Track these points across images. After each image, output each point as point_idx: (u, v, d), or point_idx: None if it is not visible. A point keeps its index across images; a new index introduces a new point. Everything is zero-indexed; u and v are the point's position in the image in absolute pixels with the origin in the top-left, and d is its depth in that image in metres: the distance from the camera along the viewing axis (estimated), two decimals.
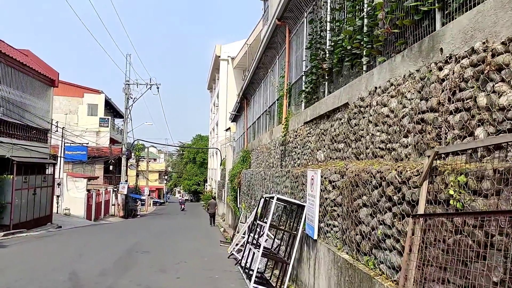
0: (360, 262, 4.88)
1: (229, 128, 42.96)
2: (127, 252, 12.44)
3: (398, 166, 4.17)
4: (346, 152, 6.92)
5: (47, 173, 21.08)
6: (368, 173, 4.82)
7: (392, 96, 5.27)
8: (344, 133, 7.15)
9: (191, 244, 15.34)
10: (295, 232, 7.67)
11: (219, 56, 51.82)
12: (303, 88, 10.49)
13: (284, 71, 13.10)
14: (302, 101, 10.80)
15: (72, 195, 28.42)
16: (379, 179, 4.49)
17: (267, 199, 9.05)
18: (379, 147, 5.57)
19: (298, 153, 10.46)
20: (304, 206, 7.51)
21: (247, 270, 8.79)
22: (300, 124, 10.60)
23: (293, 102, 12.33)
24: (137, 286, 8.02)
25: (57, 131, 23.35)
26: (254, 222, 10.48)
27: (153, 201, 65.97)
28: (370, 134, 5.95)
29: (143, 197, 53.02)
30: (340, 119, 7.53)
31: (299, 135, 10.52)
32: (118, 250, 12.78)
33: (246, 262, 9.20)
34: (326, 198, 6.34)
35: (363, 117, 6.36)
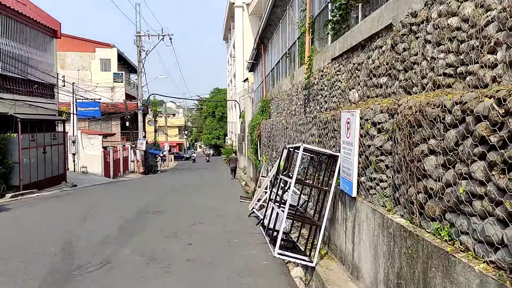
0: (425, 230, 3.55)
1: (247, 79, 41.29)
2: (137, 213, 11.51)
3: (497, 91, 2.70)
4: (391, 86, 5.42)
5: (57, 130, 20.20)
6: (437, 107, 3.37)
7: None
8: (387, 64, 5.61)
9: (209, 201, 14.37)
10: (326, 188, 6.37)
11: (234, 3, 49.11)
12: (330, 18, 8.80)
13: (306, 3, 11.30)
14: (328, 33, 9.13)
15: (88, 152, 27.80)
16: (460, 113, 3.04)
17: (291, 150, 7.72)
18: (444, 73, 4.06)
19: (325, 96, 8.96)
20: (337, 156, 6.14)
21: (270, 232, 7.64)
22: (326, 62, 9.02)
23: (316, 37, 10.65)
24: (140, 257, 6.97)
25: (64, 85, 22.23)
26: (277, 176, 9.26)
27: (174, 156, 65.76)
28: (429, 58, 4.42)
29: (163, 152, 52.69)
30: (381, 47, 5.96)
31: (326, 75, 8.97)
32: (128, 210, 11.88)
33: (269, 222, 8.05)
34: (369, 146, 4.94)
35: (416, 38, 4.80)
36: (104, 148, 29.07)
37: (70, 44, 43.63)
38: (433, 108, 3.43)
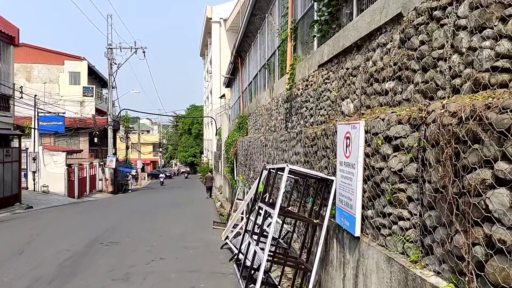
0: None
1: (224, 95, 40.12)
2: (88, 243, 9.81)
3: None
4: (401, 92, 4.21)
5: (11, 146, 18.29)
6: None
7: None
8: (394, 64, 4.43)
9: (177, 227, 12.81)
10: (317, 221, 5.05)
11: (211, 18, 48.27)
12: (316, 18, 7.66)
13: (287, 7, 10.19)
14: (314, 37, 7.97)
15: (50, 170, 25.73)
16: None
17: (272, 171, 6.41)
18: (494, 68, 2.86)
19: (311, 108, 7.75)
20: (330, 181, 4.87)
21: (246, 271, 6.24)
22: (312, 69, 7.84)
23: (299, 44, 9.50)
24: None
25: (21, 97, 20.37)
26: (255, 200, 7.93)
27: (151, 174, 62.90)
28: (464, 50, 3.23)
29: (136, 170, 50.51)
30: (385, 45, 4.79)
31: (312, 84, 7.78)
32: (79, 240, 10.18)
33: (245, 258, 6.65)
34: (380, 169, 3.67)
35: (441, 26, 3.62)
36: (68, 165, 27.05)
37: (37, 55, 41.57)
38: (502, 113, 2.19)
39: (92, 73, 45.86)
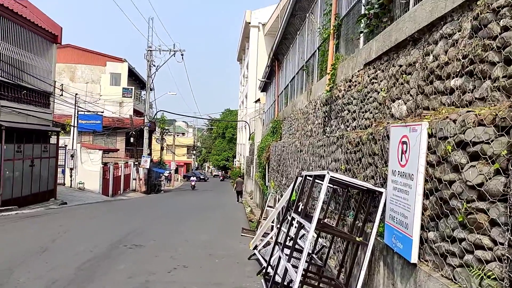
0: None
1: (259, 100, 39.71)
2: (112, 245, 9.48)
3: None
4: (473, 90, 3.47)
5: (49, 142, 18.50)
6: None
7: None
8: (464, 58, 3.70)
9: (204, 233, 12.35)
10: (360, 239, 4.36)
11: (249, 23, 48.13)
12: (364, 12, 6.97)
13: (330, 3, 9.53)
14: (360, 33, 7.27)
15: (86, 168, 26.07)
16: None
17: (309, 178, 5.76)
18: None
19: (354, 111, 7.04)
20: (378, 193, 4.17)
21: None
22: (357, 69, 7.14)
23: (343, 42, 8.80)
24: None
25: (61, 95, 20.66)
26: (288, 209, 7.30)
27: (187, 176, 61.56)
28: None
29: (169, 172, 50.90)
30: (450, 36, 4.05)
31: (356, 85, 7.07)
32: (103, 240, 9.87)
33: (275, 272, 6.01)
34: (449, 182, 2.95)
35: None
36: (104, 164, 27.34)
37: (80, 56, 42.79)
38: None
39: (132, 75, 46.73)
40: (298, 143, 10.41)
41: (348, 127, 7.34)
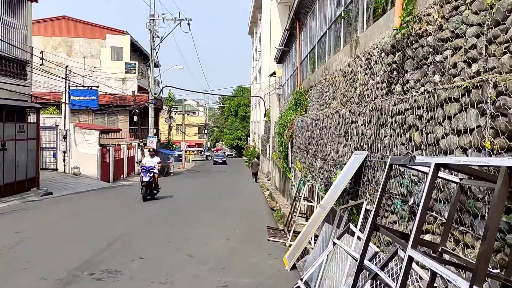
0: None
1: (274, 73, 36.32)
2: (69, 274, 6.23)
3: None
4: None
5: (28, 121, 15.53)
6: None
7: None
8: None
9: (216, 237, 9.31)
10: None
11: None
12: None
13: None
14: None
15: (82, 150, 23.22)
16: None
17: (398, 165, 2.68)
18: None
19: (470, 47, 3.77)
20: None
21: None
22: None
23: None
24: None
25: (42, 64, 17.56)
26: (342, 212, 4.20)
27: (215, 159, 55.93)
28: None
29: (179, 152, 48.14)
30: None
31: (461, 11, 3.77)
32: (62, 263, 6.73)
33: None
34: None
35: None
36: (103, 146, 24.47)
37: (78, 29, 39.60)
38: None
39: (136, 50, 43.55)
40: (345, 112, 7.17)
41: (454, 76, 4.08)
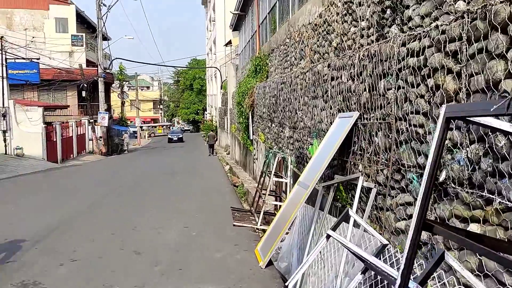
0: None
1: (230, 42, 34.91)
2: None
3: None
4: None
5: None
6: None
7: None
8: None
9: (172, 222, 8.38)
10: None
11: None
12: None
13: None
14: None
15: (24, 129, 21.20)
16: None
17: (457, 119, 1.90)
18: None
19: None
20: None
21: None
22: None
23: None
24: None
25: None
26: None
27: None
28: None
29: (131, 130, 45.97)
30: None
31: None
32: None
33: None
34: None
35: None
36: (48, 124, 22.48)
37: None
38: None
39: (83, 22, 40.53)
40: (322, 67, 6.29)
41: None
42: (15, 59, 21.76)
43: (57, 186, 13.84)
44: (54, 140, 22.60)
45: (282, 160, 7.85)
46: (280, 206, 8.03)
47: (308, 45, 8.08)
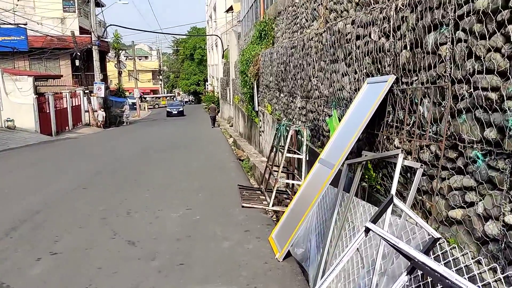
0: None
1: (231, 8, 33.29)
2: None
3: None
4: None
5: None
6: None
7: None
8: None
9: (173, 203, 7.44)
10: None
11: None
12: None
13: None
14: None
15: (14, 100, 20.08)
16: None
17: None
18: None
19: None
20: None
21: None
22: None
23: None
24: None
25: None
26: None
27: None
28: None
29: (132, 100, 44.76)
30: None
31: None
32: None
33: None
34: None
35: None
36: (40, 94, 21.35)
37: None
38: None
39: None
40: (344, 25, 5.17)
41: None
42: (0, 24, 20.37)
43: (47, 161, 12.88)
44: (48, 111, 21.52)
45: (295, 133, 6.83)
46: (292, 184, 7.09)
47: (322, 3, 6.89)
